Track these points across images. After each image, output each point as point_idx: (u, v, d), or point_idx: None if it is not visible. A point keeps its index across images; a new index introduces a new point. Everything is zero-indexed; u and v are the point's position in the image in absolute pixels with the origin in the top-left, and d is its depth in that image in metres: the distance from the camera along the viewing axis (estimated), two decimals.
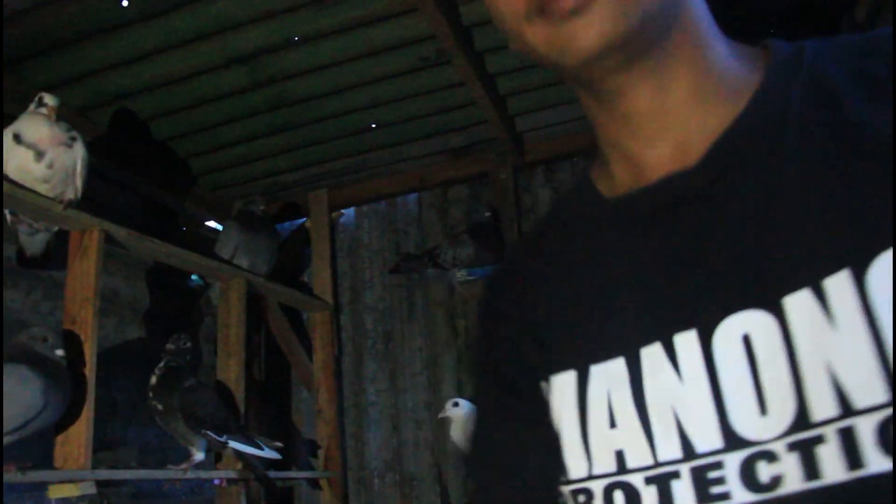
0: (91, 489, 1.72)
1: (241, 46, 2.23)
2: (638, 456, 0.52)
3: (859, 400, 0.43)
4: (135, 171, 2.76)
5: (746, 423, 0.48)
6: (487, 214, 2.88)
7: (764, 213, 0.50)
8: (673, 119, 0.55)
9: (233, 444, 2.14)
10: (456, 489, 2.84)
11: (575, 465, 0.56)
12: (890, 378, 0.42)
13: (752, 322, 0.48)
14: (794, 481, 0.46)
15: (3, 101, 2.03)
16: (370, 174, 3.14)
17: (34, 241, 2.03)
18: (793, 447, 0.46)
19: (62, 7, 2.00)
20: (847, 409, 0.44)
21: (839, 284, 0.45)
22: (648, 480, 0.52)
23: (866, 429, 0.43)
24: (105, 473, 1.83)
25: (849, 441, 0.43)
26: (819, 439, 0.45)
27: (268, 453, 2.24)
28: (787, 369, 0.47)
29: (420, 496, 2.90)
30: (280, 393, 3.20)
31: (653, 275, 0.55)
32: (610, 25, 0.49)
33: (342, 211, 3.27)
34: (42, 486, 1.69)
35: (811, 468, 0.45)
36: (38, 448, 1.83)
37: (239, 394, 2.40)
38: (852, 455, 0.43)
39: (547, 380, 0.60)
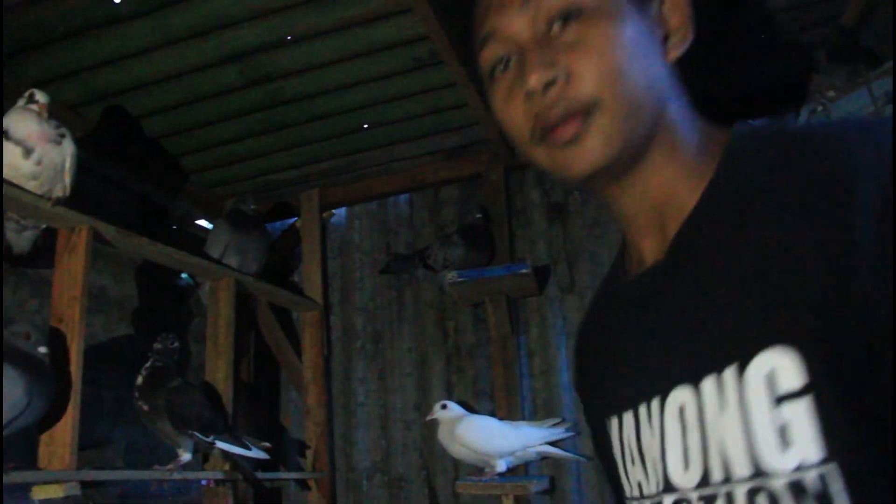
0: (76, 490, 1.70)
1: (235, 45, 2.23)
2: (646, 488, 0.68)
3: (736, 472, 0.57)
4: (125, 168, 2.74)
5: (675, 473, 0.63)
6: (478, 216, 2.88)
7: (695, 306, 0.62)
8: (655, 215, 0.68)
9: (220, 445, 2.13)
10: (444, 491, 2.83)
11: (625, 487, 0.72)
12: (753, 457, 0.55)
13: (685, 395, 0.61)
14: None
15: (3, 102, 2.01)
16: (362, 174, 3.14)
17: (21, 239, 2.01)
18: (700, 498, 0.60)
19: (54, 3, 1.99)
20: (728, 478, 0.57)
21: (730, 375, 0.57)
22: None
23: (741, 494, 0.56)
24: (90, 474, 1.81)
25: (730, 502, 0.57)
26: (714, 497, 0.58)
27: (255, 453, 2.23)
28: (699, 437, 0.60)
29: (408, 498, 2.90)
30: (269, 393, 3.19)
31: (644, 347, 0.69)
32: (598, 154, 0.64)
33: (333, 211, 3.27)
34: (25, 487, 1.67)
35: None
36: (21, 448, 1.81)
37: (227, 394, 2.38)
38: None
39: (608, 418, 0.75)
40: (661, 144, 0.66)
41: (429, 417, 2.57)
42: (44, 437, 1.76)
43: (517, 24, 0.67)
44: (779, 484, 0.53)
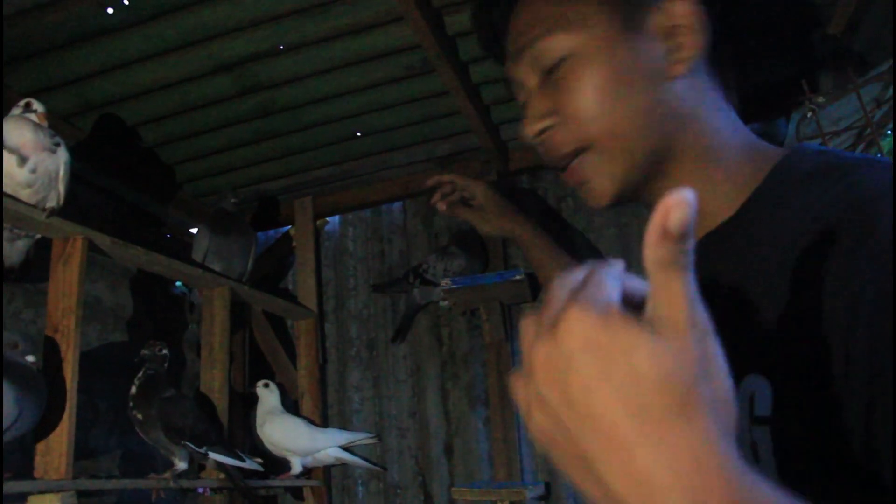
0: (72, 500, 1.70)
1: (227, 54, 2.23)
2: None
3: None
4: (119, 177, 2.74)
5: None
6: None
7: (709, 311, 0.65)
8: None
9: (213, 456, 2.13)
10: (440, 498, 2.83)
11: None
12: None
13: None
14: None
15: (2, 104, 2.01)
16: (355, 182, 3.15)
17: (14, 249, 2.00)
18: None
19: (47, 13, 1.99)
20: None
21: (747, 382, 0.58)
22: None
23: None
24: (86, 483, 1.81)
25: None
26: None
27: (250, 464, 2.23)
28: None
29: None
30: None
31: None
32: (607, 191, 0.66)
33: (327, 219, 3.27)
34: (21, 497, 1.67)
35: None
36: (16, 458, 1.81)
37: (222, 403, 2.38)
38: None
39: None
40: (685, 157, 0.65)
41: (250, 390, 2.73)
42: (39, 447, 1.76)
43: (522, 73, 0.70)
44: None
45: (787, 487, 0.51)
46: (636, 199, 0.69)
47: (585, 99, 0.64)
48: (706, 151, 0.65)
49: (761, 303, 0.57)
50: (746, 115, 0.69)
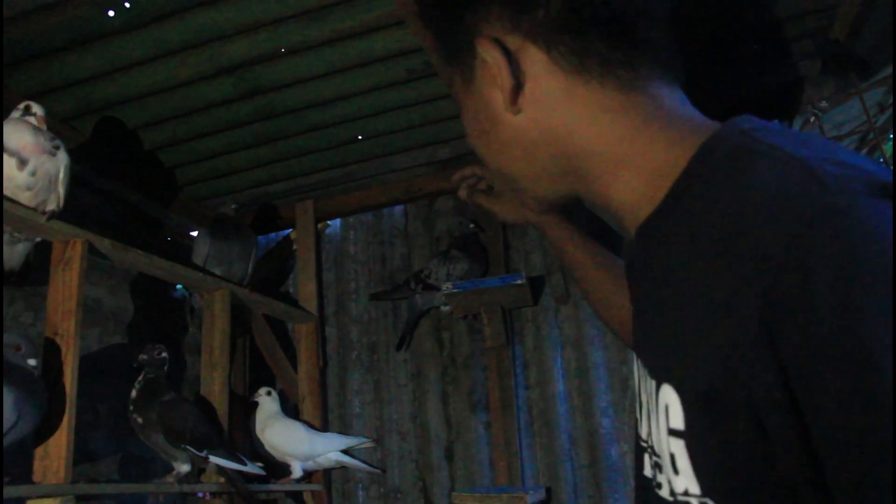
0: None
1: (228, 57, 2.23)
2: (639, 428, 0.71)
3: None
4: (119, 180, 2.74)
5: (644, 432, 0.66)
6: (471, 226, 2.89)
7: (641, 308, 0.67)
8: (616, 210, 0.68)
9: (213, 459, 2.12)
10: (440, 502, 2.82)
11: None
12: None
13: (647, 381, 0.63)
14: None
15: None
16: (357, 185, 3.14)
17: (14, 253, 2.00)
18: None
19: (48, 16, 1.99)
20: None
21: (653, 388, 0.60)
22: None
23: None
24: (85, 488, 1.80)
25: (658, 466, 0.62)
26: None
27: (251, 468, 2.23)
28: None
29: None
30: None
31: (636, 305, 0.71)
32: (530, 202, 0.78)
33: (328, 222, 3.27)
34: (21, 501, 1.66)
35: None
36: (15, 462, 1.80)
37: (222, 406, 2.38)
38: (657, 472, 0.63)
39: None
40: (582, 166, 0.67)
41: (252, 399, 2.72)
42: (38, 451, 1.75)
43: None
44: (679, 500, 0.57)
45: (711, 498, 0.53)
46: (574, 198, 0.73)
47: (469, 143, 0.76)
48: (596, 157, 0.66)
49: (675, 308, 0.56)
50: None
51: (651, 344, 0.62)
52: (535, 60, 0.65)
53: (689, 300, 0.54)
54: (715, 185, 0.54)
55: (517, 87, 0.66)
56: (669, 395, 0.56)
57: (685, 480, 0.55)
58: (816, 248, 0.44)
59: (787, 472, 0.48)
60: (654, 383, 0.60)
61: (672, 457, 0.56)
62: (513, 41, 0.65)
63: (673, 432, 0.56)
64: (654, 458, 0.64)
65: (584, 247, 1.04)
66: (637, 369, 0.69)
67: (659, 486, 0.63)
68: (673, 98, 0.66)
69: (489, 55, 0.65)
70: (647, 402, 0.64)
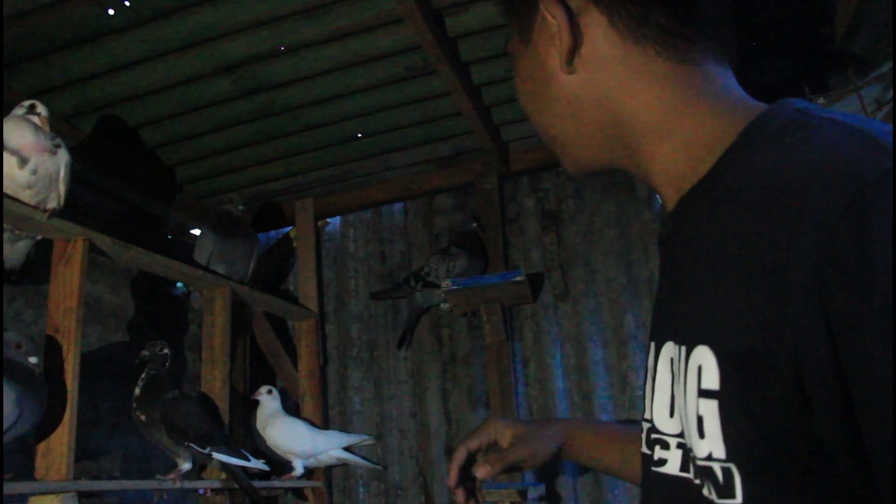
0: (73, 501, 1.70)
1: (228, 55, 2.24)
2: (647, 413, 0.71)
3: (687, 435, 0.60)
4: (120, 178, 2.74)
5: (658, 416, 0.66)
6: (473, 224, 2.89)
7: (676, 279, 0.65)
8: (657, 180, 0.69)
9: (217, 456, 2.13)
10: (440, 499, 2.83)
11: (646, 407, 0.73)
12: (680, 421, 0.61)
13: (673, 350, 0.63)
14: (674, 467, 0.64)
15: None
16: (356, 183, 3.15)
17: (15, 251, 2.00)
18: (678, 446, 0.63)
19: (47, 15, 1.99)
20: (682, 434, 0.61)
21: (683, 353, 0.59)
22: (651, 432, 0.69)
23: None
24: (87, 485, 1.81)
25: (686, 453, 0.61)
26: (690, 449, 0.59)
27: (254, 463, 2.24)
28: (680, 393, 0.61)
29: None
30: None
31: (662, 288, 0.71)
32: (568, 164, 0.75)
33: (328, 220, 3.27)
34: (22, 498, 1.67)
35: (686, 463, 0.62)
36: (17, 458, 1.81)
37: (223, 403, 2.38)
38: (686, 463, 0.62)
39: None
40: (626, 132, 0.68)
41: (253, 397, 2.73)
42: (40, 448, 1.76)
43: None
44: (698, 464, 0.57)
45: (734, 463, 0.53)
46: (611, 168, 0.73)
47: (519, 100, 0.76)
48: (644, 125, 0.66)
49: (717, 272, 0.56)
50: None
51: (684, 308, 0.61)
52: (595, 23, 0.66)
53: (734, 262, 0.53)
54: (769, 153, 0.55)
55: (574, 48, 0.66)
56: (704, 356, 0.55)
57: (710, 444, 0.55)
58: (876, 209, 0.44)
59: (825, 437, 0.47)
60: (683, 349, 0.59)
61: (700, 420, 0.56)
62: (575, 2, 0.67)
63: (705, 393, 0.55)
64: (655, 435, 0.66)
65: (607, 449, 1.02)
66: (651, 355, 0.69)
67: (661, 462, 0.65)
68: (725, 76, 0.67)
69: (552, 11, 0.66)
70: (663, 377, 0.65)
